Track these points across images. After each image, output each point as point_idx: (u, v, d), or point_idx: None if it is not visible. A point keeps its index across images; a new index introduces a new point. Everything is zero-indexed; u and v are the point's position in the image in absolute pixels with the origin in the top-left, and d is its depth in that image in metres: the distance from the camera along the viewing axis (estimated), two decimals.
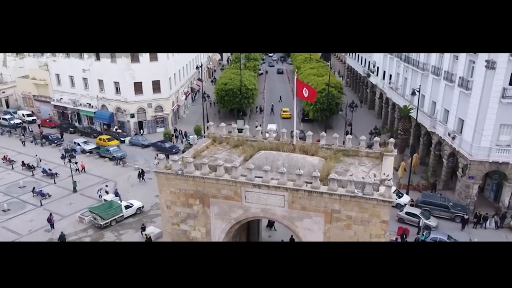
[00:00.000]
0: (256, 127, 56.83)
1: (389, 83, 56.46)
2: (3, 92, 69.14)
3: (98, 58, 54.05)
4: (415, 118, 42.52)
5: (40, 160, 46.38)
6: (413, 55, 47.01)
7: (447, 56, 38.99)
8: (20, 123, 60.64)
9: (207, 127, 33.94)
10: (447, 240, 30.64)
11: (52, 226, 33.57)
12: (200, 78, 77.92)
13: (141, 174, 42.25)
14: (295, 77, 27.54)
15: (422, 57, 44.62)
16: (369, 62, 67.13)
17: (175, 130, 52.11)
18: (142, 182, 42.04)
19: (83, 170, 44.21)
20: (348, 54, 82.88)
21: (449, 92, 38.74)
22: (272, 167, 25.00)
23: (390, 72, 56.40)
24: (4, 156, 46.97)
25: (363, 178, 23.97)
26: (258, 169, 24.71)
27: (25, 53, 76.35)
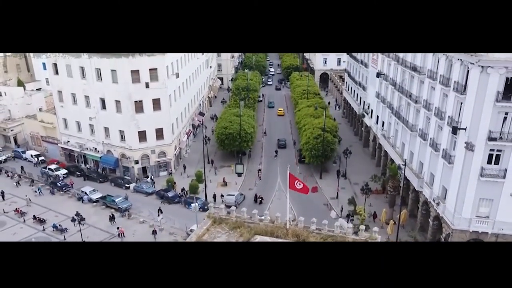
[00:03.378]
0: (259, 170, 60.15)
1: (382, 129, 58.99)
2: (11, 130, 71.79)
3: (104, 107, 56.68)
4: (404, 174, 45.22)
5: (30, 200, 50.93)
6: (403, 112, 49.58)
7: (433, 123, 41.55)
8: (67, 173, 59.44)
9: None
10: None
11: None
12: (202, 111, 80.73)
13: (112, 217, 47.69)
14: (287, 172, 30.06)
15: (411, 117, 47.17)
16: (364, 101, 69.61)
17: (182, 189, 54.54)
18: (113, 224, 47.11)
19: (123, 235, 44.88)
20: (345, 87, 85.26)
21: (434, 159, 41.32)
22: None
23: (383, 118, 58.87)
24: (16, 208, 49.65)
25: None
26: None
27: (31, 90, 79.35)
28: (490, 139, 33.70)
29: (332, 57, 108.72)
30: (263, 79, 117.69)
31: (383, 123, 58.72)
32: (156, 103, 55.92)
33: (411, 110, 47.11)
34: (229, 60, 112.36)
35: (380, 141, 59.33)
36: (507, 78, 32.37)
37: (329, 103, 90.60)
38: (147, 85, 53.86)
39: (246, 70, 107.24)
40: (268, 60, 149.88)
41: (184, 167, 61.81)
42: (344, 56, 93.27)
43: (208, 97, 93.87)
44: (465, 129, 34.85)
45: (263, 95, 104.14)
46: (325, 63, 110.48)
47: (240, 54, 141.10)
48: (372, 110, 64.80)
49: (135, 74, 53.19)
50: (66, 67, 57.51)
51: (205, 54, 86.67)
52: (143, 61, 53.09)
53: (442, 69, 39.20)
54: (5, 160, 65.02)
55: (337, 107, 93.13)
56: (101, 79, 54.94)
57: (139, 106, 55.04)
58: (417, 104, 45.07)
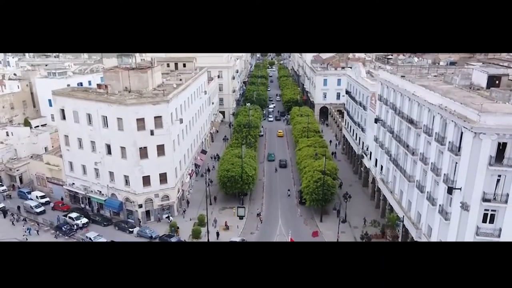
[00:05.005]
0: (258, 214, 61.18)
1: (381, 173, 60.20)
2: (17, 170, 73.06)
3: (109, 153, 58.12)
4: (403, 222, 46.24)
5: (27, 239, 52.35)
6: (400, 161, 50.89)
7: (430, 177, 42.83)
8: (87, 222, 58.95)
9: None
10: None
11: None
12: (204, 149, 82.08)
13: None
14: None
15: (408, 167, 48.49)
16: (363, 142, 71.05)
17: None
18: None
19: None
20: (345, 124, 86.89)
21: (431, 212, 42.44)
22: None
23: (382, 163, 60.10)
24: None
25: None
26: None
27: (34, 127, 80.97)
28: (485, 200, 34.93)
29: (331, 91, 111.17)
30: (264, 112, 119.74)
31: (382, 167, 59.91)
32: (160, 149, 57.36)
33: (409, 160, 48.45)
34: (230, 95, 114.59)
35: (379, 184, 60.49)
36: (499, 143, 33.84)
37: (330, 141, 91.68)
38: (152, 133, 55.41)
39: (248, 104, 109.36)
40: (268, 90, 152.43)
41: (188, 202, 63.86)
42: (343, 91, 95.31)
43: (210, 132, 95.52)
44: (460, 189, 36.12)
45: (263, 127, 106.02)
46: (325, 97, 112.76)
47: (241, 86, 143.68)
48: (371, 152, 66.09)
49: (140, 122, 54.83)
50: (73, 113, 59.25)
51: (208, 92, 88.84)
52: (148, 109, 54.83)
53: (437, 127, 40.73)
54: (43, 211, 62.91)
55: (337, 144, 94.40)
56: (107, 126, 56.54)
57: (143, 152, 56.45)
58: (414, 155, 46.44)
